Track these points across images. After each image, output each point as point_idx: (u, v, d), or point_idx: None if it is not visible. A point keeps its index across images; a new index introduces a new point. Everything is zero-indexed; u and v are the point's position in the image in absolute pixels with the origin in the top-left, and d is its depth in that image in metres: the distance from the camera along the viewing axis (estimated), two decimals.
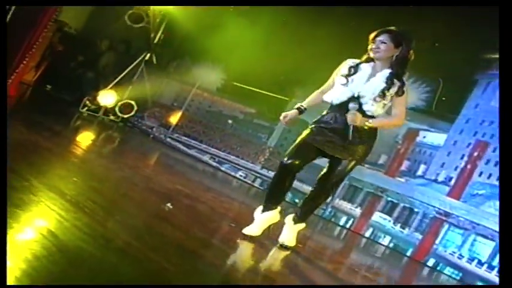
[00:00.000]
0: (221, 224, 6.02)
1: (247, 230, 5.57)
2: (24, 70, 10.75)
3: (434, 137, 9.85)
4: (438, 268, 9.22)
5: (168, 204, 6.02)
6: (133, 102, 12.31)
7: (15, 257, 3.26)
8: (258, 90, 10.94)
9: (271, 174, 10.53)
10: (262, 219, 5.68)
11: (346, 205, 10.06)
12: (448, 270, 9.18)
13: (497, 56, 9.43)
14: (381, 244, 9.61)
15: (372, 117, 5.41)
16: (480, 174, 9.24)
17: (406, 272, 8.87)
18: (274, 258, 5.67)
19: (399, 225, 9.64)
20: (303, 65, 9.80)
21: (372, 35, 5.44)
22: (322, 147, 5.50)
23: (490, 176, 9.18)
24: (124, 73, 12.41)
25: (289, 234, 5.76)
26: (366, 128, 5.39)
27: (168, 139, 12.29)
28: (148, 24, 12.46)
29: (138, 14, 12.09)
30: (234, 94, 12.24)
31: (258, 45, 10.18)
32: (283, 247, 5.71)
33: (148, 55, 12.53)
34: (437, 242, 9.28)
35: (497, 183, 9.14)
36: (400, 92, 5.40)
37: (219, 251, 5.28)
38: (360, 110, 5.37)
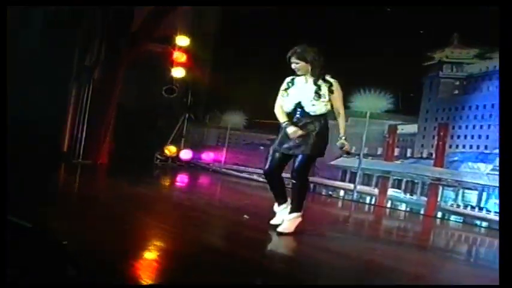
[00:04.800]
0: None
1: (274, 221, 5.66)
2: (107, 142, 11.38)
3: (409, 128, 9.99)
4: (446, 217, 9.26)
5: (245, 216, 6.15)
6: (189, 150, 12.53)
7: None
8: (273, 121, 11.07)
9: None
10: (280, 213, 5.70)
11: (366, 188, 10.12)
12: (452, 218, 9.27)
13: (430, 62, 9.82)
14: (400, 210, 9.66)
15: (317, 116, 5.36)
16: (450, 146, 9.39)
17: (424, 225, 8.98)
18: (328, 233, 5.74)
19: (408, 194, 9.70)
20: None
21: (287, 58, 5.45)
22: (285, 152, 5.46)
23: (457, 146, 9.40)
24: (175, 131, 12.77)
25: (285, 223, 5.47)
26: (311, 129, 5.35)
27: (223, 169, 12.42)
28: (179, 93, 12.89)
29: (171, 88, 12.55)
30: (258, 128, 12.36)
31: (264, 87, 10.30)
32: (280, 234, 5.38)
33: (187, 115, 12.69)
34: (438, 200, 9.35)
35: (464, 149, 9.36)
36: (331, 90, 5.39)
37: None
38: (303, 111, 5.39)
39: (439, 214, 9.39)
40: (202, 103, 13.25)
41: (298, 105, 5.42)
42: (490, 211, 8.91)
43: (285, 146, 5.44)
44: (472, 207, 9.14)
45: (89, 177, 9.35)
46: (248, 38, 11.01)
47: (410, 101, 9.87)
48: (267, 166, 5.60)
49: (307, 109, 5.38)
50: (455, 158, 9.44)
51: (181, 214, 6.34)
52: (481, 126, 9.19)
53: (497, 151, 8.89)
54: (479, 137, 9.19)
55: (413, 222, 9.08)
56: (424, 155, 9.83)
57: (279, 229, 5.44)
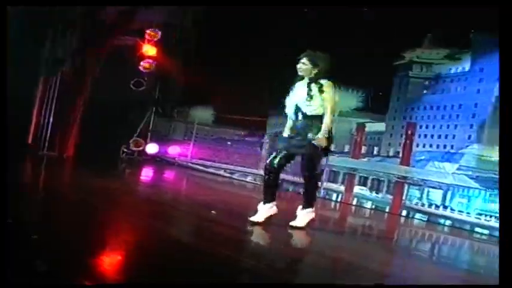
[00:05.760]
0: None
1: (254, 218, 5.65)
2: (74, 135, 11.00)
3: (377, 126, 10.12)
4: (410, 216, 9.38)
5: (213, 212, 6.12)
6: (155, 144, 12.44)
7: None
8: (241, 117, 11.05)
9: None
10: (263, 211, 5.72)
11: (332, 185, 10.21)
12: (417, 216, 9.43)
13: (400, 62, 10.05)
14: (366, 207, 9.75)
15: (315, 116, 5.56)
16: (417, 145, 9.54)
17: (389, 223, 9.07)
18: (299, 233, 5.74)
19: (374, 192, 9.81)
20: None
21: (297, 59, 5.71)
22: (289, 151, 5.65)
23: (424, 145, 9.54)
24: (142, 124, 12.67)
25: (299, 218, 5.71)
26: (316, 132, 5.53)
27: (190, 164, 12.36)
28: (148, 86, 12.64)
29: (139, 81, 12.30)
30: (227, 123, 12.33)
31: (234, 83, 10.29)
32: (292, 227, 5.63)
33: (155, 108, 12.61)
34: (403, 198, 9.45)
35: (430, 148, 9.53)
36: (321, 91, 5.59)
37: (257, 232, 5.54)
38: (302, 112, 5.61)
39: (404, 212, 9.53)
40: (170, 97, 13.16)
41: (297, 107, 5.67)
42: (454, 210, 9.07)
43: (289, 146, 5.64)
44: (437, 206, 9.30)
45: (53, 169, 9.19)
46: (221, 35, 10.97)
47: (379, 100, 9.96)
48: (275, 162, 5.66)
49: (303, 109, 5.62)
50: (422, 157, 9.58)
51: (147, 208, 6.27)
52: (448, 126, 9.36)
53: (462, 151, 9.05)
54: (446, 136, 9.37)
55: (379, 220, 9.18)
56: (391, 154, 9.95)
57: (293, 223, 5.67)
